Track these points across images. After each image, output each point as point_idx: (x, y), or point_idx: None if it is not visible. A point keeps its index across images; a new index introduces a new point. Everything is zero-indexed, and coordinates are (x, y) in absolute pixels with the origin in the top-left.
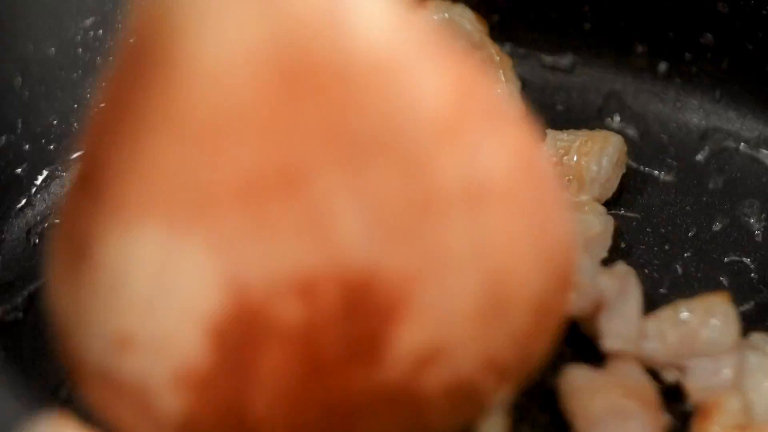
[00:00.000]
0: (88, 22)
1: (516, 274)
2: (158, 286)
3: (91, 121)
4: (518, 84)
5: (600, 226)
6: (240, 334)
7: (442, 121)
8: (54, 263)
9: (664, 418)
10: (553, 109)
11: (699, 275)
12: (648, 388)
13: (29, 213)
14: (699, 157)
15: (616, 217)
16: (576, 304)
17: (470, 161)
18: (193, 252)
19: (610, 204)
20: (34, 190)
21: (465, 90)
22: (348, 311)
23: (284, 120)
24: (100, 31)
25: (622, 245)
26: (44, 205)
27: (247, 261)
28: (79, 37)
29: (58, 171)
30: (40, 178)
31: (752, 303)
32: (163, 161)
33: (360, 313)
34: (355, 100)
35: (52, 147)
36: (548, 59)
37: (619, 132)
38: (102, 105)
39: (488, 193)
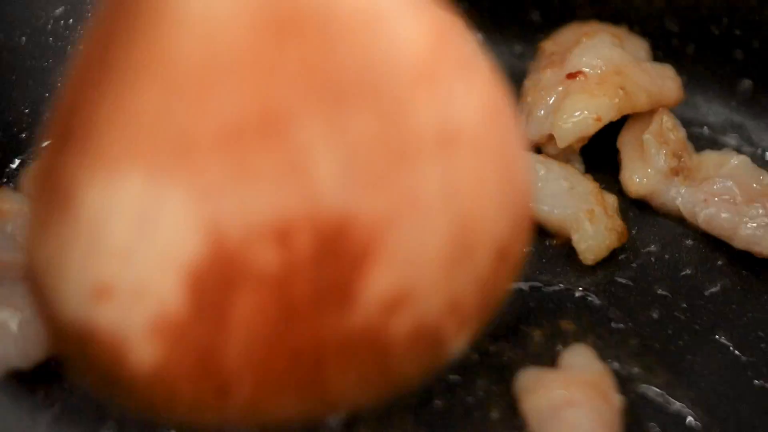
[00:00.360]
0: (59, 11)
1: (482, 219)
2: (138, 234)
3: (72, 69)
4: None
5: None
6: (216, 279)
7: (418, 68)
8: (32, 213)
9: (617, 400)
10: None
11: None
12: (600, 375)
13: None
14: None
15: None
16: None
17: (444, 107)
18: (173, 199)
19: None
20: (5, 179)
21: (440, 38)
22: (321, 257)
23: (267, 67)
24: (71, 20)
25: None
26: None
27: (226, 207)
28: (49, 26)
29: (30, 159)
30: (12, 167)
31: None
32: (146, 109)
33: (333, 258)
34: (335, 47)
35: (23, 135)
36: (518, 48)
37: None
38: (84, 53)
39: (459, 139)
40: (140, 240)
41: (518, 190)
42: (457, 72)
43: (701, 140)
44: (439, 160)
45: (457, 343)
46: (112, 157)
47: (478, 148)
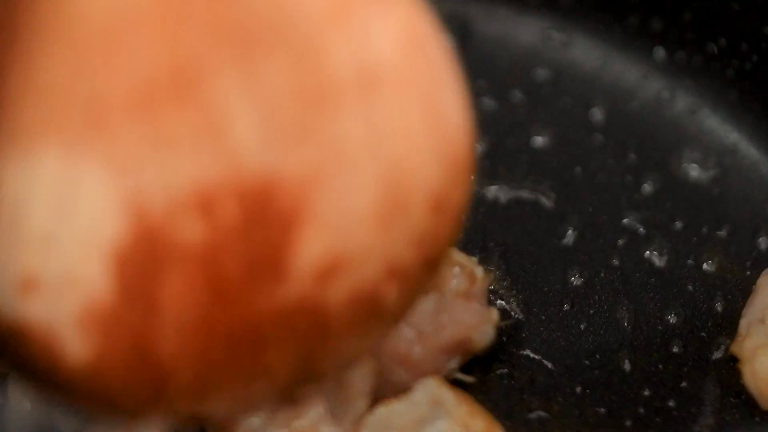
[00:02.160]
0: None
1: (414, 168)
2: (58, 217)
3: None
4: None
5: None
6: (141, 259)
7: (329, 5)
8: None
9: None
10: None
11: None
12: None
13: None
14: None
15: None
16: None
17: (361, 45)
18: (91, 173)
19: None
20: None
21: None
22: (249, 224)
23: (172, 19)
24: None
25: None
26: None
27: (145, 179)
28: None
29: None
30: None
31: None
32: (53, 75)
33: (261, 225)
34: None
35: None
36: None
37: None
38: None
39: (382, 80)
40: (61, 224)
41: (452, 133)
42: (373, 5)
43: None
44: (362, 105)
45: (399, 308)
46: (24, 133)
47: (403, 89)
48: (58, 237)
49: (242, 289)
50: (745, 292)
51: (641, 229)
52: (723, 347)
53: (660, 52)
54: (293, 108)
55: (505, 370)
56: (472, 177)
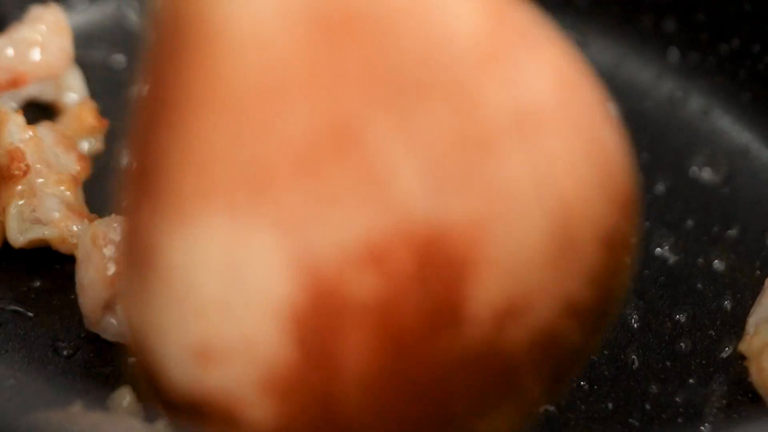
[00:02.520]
0: None
1: (581, 205)
2: (230, 282)
3: (134, 116)
4: None
5: None
6: (320, 318)
7: (481, 49)
8: (122, 274)
9: None
10: None
11: None
12: None
13: None
14: None
15: None
16: None
17: (516, 86)
18: (260, 237)
19: None
20: None
21: (499, 13)
22: (423, 273)
23: (327, 74)
24: None
25: None
26: None
27: (314, 237)
28: None
29: None
30: None
31: None
32: (212, 141)
33: (435, 272)
34: (390, 41)
35: None
36: None
37: None
38: (143, 95)
39: (539, 119)
40: (233, 290)
41: (614, 169)
42: (524, 47)
43: None
44: (523, 146)
45: (583, 346)
46: (190, 203)
47: (561, 126)
48: (231, 303)
49: (422, 338)
50: (753, 291)
51: (652, 228)
52: (731, 345)
53: (673, 53)
54: (454, 153)
55: None
56: (637, 212)
